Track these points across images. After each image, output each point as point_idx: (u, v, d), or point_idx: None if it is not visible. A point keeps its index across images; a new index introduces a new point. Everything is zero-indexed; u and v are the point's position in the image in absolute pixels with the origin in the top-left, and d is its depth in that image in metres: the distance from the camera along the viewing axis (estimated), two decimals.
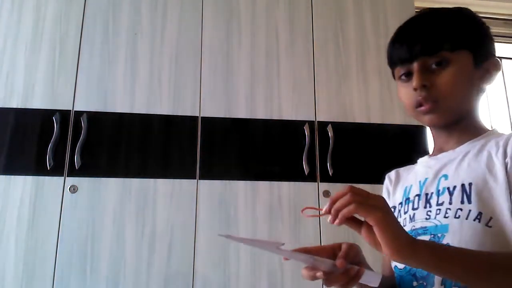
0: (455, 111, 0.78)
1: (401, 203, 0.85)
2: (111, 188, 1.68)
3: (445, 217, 0.74)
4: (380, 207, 0.58)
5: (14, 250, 1.58)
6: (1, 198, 1.62)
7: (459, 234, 0.70)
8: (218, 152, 1.78)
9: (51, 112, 1.72)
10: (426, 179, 0.82)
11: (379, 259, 0.88)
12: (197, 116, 1.81)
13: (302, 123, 1.84)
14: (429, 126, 0.84)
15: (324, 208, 0.60)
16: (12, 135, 1.69)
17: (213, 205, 1.72)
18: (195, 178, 1.74)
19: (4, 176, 1.64)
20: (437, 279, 0.70)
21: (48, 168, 1.66)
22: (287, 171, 1.80)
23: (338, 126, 1.86)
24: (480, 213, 0.70)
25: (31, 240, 1.60)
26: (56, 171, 1.67)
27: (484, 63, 0.80)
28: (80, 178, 1.68)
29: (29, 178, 1.65)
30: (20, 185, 1.64)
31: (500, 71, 0.82)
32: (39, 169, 1.66)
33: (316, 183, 1.79)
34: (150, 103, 1.80)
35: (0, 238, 1.59)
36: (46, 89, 1.76)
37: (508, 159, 0.71)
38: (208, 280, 1.64)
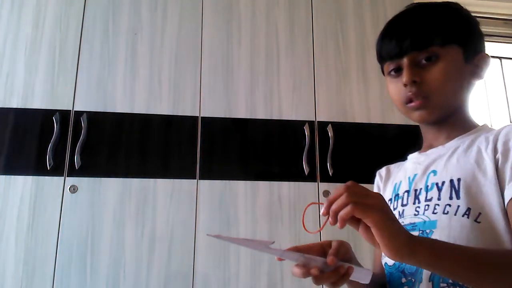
0: (445, 107, 0.78)
1: (390, 200, 0.85)
2: (111, 188, 1.69)
3: (433, 213, 0.73)
4: (377, 207, 0.56)
5: (14, 250, 1.58)
6: (1, 198, 1.62)
7: (447, 230, 0.69)
8: (218, 152, 1.78)
9: (51, 112, 1.72)
10: (415, 175, 0.81)
11: None
12: (197, 116, 1.81)
13: (302, 123, 1.84)
14: (419, 122, 0.83)
15: (322, 210, 0.58)
16: (12, 135, 1.69)
17: (213, 205, 1.72)
18: (195, 178, 1.74)
19: (4, 176, 1.64)
20: (425, 275, 0.69)
21: (48, 168, 1.66)
22: (287, 171, 1.80)
23: (338, 126, 1.86)
24: (468, 209, 0.69)
25: (31, 240, 1.60)
26: (56, 171, 1.67)
27: (474, 58, 0.79)
28: (80, 178, 1.68)
29: (29, 178, 1.65)
30: (20, 185, 1.64)
31: (490, 66, 0.82)
32: (39, 169, 1.66)
33: (316, 183, 1.79)
34: (150, 103, 1.80)
35: (0, 238, 1.59)
36: (46, 89, 1.76)
37: (498, 155, 0.70)
38: (208, 280, 1.64)
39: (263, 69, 1.90)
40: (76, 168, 1.67)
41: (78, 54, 1.81)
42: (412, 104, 0.77)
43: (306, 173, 1.79)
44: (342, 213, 0.56)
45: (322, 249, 0.70)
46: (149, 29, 1.88)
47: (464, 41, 0.77)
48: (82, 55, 1.81)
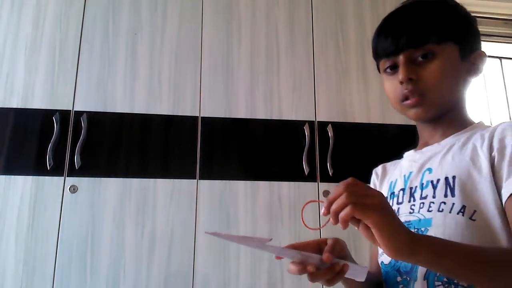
0: (441, 105, 0.77)
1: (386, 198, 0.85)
2: (111, 188, 1.69)
3: (428, 210, 0.73)
4: (376, 207, 0.55)
5: (14, 250, 1.58)
6: (1, 198, 1.62)
7: (442, 228, 0.69)
8: (218, 152, 1.78)
9: (51, 112, 1.72)
10: (410, 173, 0.81)
11: None
12: (197, 116, 1.81)
13: (302, 123, 1.84)
14: (415, 120, 0.82)
15: (322, 210, 0.58)
16: (12, 135, 1.69)
17: (213, 205, 1.72)
18: (195, 178, 1.74)
19: (4, 176, 1.64)
20: (420, 273, 0.69)
21: (48, 168, 1.66)
22: (287, 171, 1.80)
23: (338, 126, 1.86)
24: (463, 206, 0.69)
25: (31, 240, 1.60)
26: (56, 171, 1.67)
27: (471, 56, 0.79)
28: (80, 178, 1.68)
29: (29, 178, 1.65)
30: (20, 185, 1.64)
31: (486, 64, 0.81)
32: (39, 169, 1.66)
33: (316, 183, 1.79)
34: (150, 103, 1.80)
35: (0, 238, 1.59)
36: (46, 89, 1.76)
37: (494, 153, 0.69)
38: (208, 280, 1.64)
39: (263, 69, 1.90)
40: (76, 168, 1.67)
41: (78, 54, 1.81)
42: (408, 101, 0.77)
43: (306, 173, 1.79)
44: (342, 214, 0.55)
45: (318, 246, 0.70)
46: (149, 29, 1.88)
47: (460, 39, 0.77)
48: (82, 55, 1.81)
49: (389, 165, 0.93)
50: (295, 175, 1.79)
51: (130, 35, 1.86)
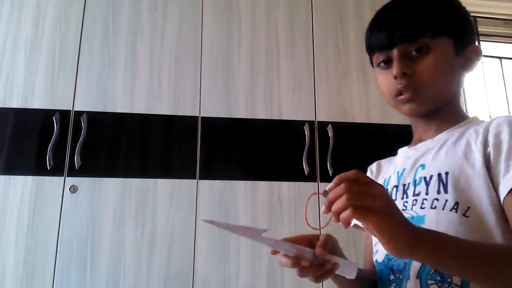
0: (436, 100, 0.76)
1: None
2: (111, 188, 1.69)
3: (421, 207, 0.72)
4: (377, 209, 0.53)
5: (14, 250, 1.58)
6: (1, 198, 1.62)
7: (435, 225, 0.68)
8: (218, 152, 1.78)
9: (51, 112, 1.72)
10: (404, 169, 0.80)
11: None
12: (197, 116, 1.81)
13: (302, 123, 1.84)
14: (409, 115, 0.81)
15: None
16: (12, 135, 1.69)
17: (213, 205, 1.72)
18: (195, 178, 1.74)
19: (4, 176, 1.64)
20: (413, 272, 0.69)
21: (48, 168, 1.66)
22: (287, 171, 1.80)
23: (338, 126, 1.86)
24: (457, 203, 0.68)
25: (31, 240, 1.60)
26: (56, 171, 1.67)
27: (465, 50, 0.77)
28: (80, 178, 1.68)
29: (29, 178, 1.65)
30: (20, 185, 1.64)
31: (481, 59, 0.80)
32: (39, 169, 1.66)
33: (316, 183, 1.79)
34: (150, 103, 1.80)
35: (0, 238, 1.59)
36: (46, 89, 1.76)
37: (490, 149, 0.68)
38: (208, 280, 1.64)
39: (263, 69, 1.90)
40: (76, 168, 1.67)
41: (78, 54, 1.81)
42: (402, 97, 0.75)
43: (306, 173, 1.79)
44: (343, 216, 0.54)
45: (310, 241, 0.69)
46: (149, 29, 1.88)
47: (455, 33, 0.75)
48: (82, 55, 1.81)
49: (384, 162, 0.93)
50: (295, 175, 1.79)
51: (130, 35, 1.86)
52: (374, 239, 0.82)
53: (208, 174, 1.75)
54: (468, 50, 0.78)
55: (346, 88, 1.93)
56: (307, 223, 0.70)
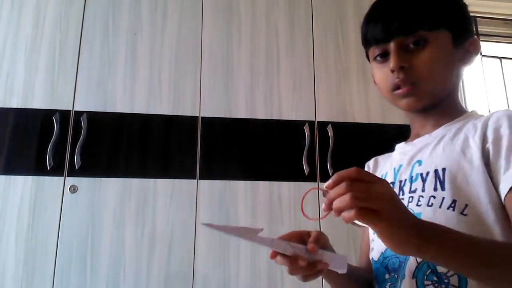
0: (433, 94, 0.74)
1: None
2: (111, 188, 1.68)
3: (417, 205, 0.70)
4: (382, 213, 0.50)
5: (14, 250, 1.58)
6: (1, 198, 1.62)
7: None
8: (218, 152, 1.78)
9: (51, 112, 1.72)
10: (400, 165, 0.79)
11: None
12: (197, 116, 1.81)
13: (302, 123, 1.84)
14: (406, 110, 0.78)
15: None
16: (12, 135, 1.69)
17: (213, 205, 1.72)
18: (195, 178, 1.74)
19: (4, 176, 1.64)
20: (408, 271, 0.67)
21: (48, 168, 1.66)
22: (287, 171, 1.80)
23: (338, 126, 1.86)
24: (454, 201, 0.65)
25: (31, 240, 1.60)
26: (56, 171, 1.67)
27: (464, 43, 0.75)
28: (80, 178, 1.68)
29: (29, 178, 1.65)
30: (20, 185, 1.64)
31: (480, 52, 0.78)
32: (39, 169, 1.66)
33: (316, 183, 1.79)
34: (150, 103, 1.80)
35: (0, 238, 1.59)
36: (46, 89, 1.76)
37: (489, 144, 0.65)
38: (208, 280, 1.64)
39: (263, 69, 1.90)
40: (76, 168, 1.67)
41: (78, 54, 1.81)
42: (400, 91, 0.73)
43: (306, 173, 1.79)
44: (346, 216, 0.51)
45: (301, 238, 0.67)
46: (149, 29, 1.88)
47: (453, 26, 0.73)
48: (82, 55, 1.81)
49: (381, 158, 0.91)
50: (295, 175, 1.79)
51: (130, 35, 1.86)
52: (371, 236, 0.81)
53: (208, 174, 1.75)
54: (467, 43, 0.76)
55: (346, 88, 1.93)
56: (304, 215, 0.67)
